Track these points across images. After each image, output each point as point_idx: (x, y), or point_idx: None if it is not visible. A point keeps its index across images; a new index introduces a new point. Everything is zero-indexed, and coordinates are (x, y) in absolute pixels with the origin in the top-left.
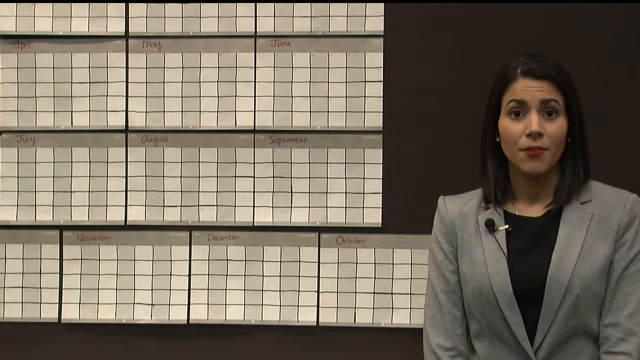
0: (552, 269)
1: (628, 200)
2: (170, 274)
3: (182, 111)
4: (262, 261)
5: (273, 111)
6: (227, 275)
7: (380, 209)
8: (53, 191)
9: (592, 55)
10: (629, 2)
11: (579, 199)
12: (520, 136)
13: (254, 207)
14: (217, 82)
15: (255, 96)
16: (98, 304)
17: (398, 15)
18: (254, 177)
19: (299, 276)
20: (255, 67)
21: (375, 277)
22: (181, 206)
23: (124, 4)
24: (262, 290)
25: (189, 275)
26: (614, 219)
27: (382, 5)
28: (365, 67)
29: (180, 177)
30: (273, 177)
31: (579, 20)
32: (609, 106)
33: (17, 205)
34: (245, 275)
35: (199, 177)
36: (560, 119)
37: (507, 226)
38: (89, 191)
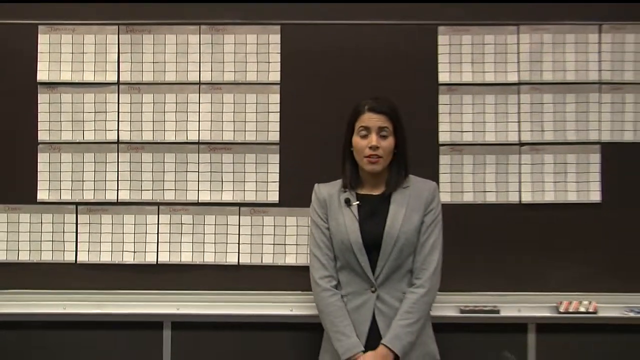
0: (387, 228)
1: (431, 185)
2: (146, 233)
3: (153, 130)
4: (204, 224)
5: (211, 130)
6: (181, 233)
7: (278, 192)
8: (71, 180)
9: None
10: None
11: (402, 185)
12: (365, 148)
13: (198, 190)
14: (175, 112)
15: (199, 121)
16: (100, 251)
17: (290, 70)
18: (198, 171)
19: (227, 234)
20: (199, 103)
21: (274, 234)
22: (152, 190)
23: (117, 62)
24: (204, 243)
25: (157, 233)
26: (423, 197)
27: (278, 64)
28: (268, 103)
29: (152, 171)
30: (211, 172)
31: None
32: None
33: (49, 190)
34: (193, 233)
35: (164, 171)
36: (390, 139)
37: (358, 202)
38: (94, 180)
